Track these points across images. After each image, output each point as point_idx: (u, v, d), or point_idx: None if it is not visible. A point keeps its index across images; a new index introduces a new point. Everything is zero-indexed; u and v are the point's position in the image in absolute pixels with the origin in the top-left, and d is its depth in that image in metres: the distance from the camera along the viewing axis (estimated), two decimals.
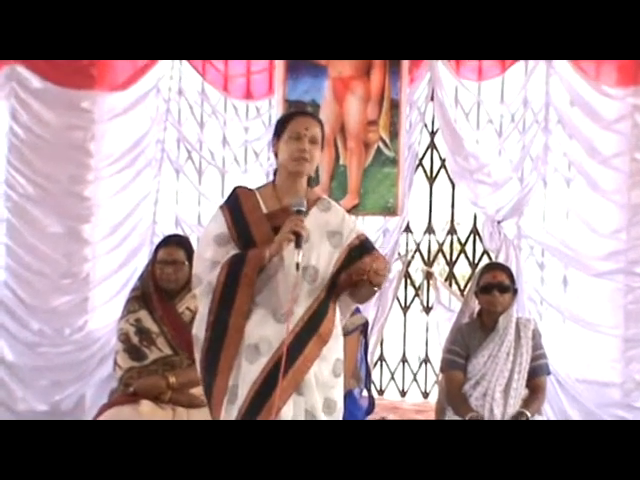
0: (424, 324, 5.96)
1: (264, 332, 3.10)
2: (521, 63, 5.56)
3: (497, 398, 4.25)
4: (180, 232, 5.64)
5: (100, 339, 5.65)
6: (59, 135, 5.64)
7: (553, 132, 5.50)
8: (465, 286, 5.74)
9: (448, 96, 5.61)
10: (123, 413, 4.00)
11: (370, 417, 4.60)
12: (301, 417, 3.09)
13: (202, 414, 3.38)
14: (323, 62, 5.59)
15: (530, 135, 5.54)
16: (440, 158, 5.84)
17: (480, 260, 5.83)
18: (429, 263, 5.94)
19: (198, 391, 3.33)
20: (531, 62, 5.49)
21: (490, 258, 5.65)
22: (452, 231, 5.95)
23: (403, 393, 6.04)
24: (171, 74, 5.85)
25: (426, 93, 5.66)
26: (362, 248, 3.21)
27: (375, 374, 5.79)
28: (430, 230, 5.95)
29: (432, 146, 5.86)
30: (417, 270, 6.15)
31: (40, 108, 5.63)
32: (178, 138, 5.90)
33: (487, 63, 5.54)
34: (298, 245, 3.06)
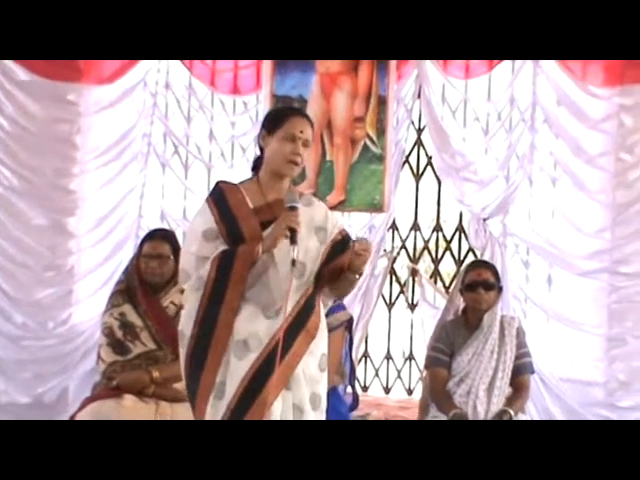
0: (409, 321, 5.96)
1: (254, 328, 3.10)
2: (508, 62, 5.55)
3: (481, 396, 4.26)
4: (166, 226, 5.62)
5: (84, 332, 5.62)
6: (45, 128, 5.59)
7: (539, 131, 5.50)
8: (450, 283, 5.74)
9: (435, 93, 5.61)
10: (106, 407, 4.00)
11: (354, 413, 4.60)
12: (289, 412, 3.10)
13: (185, 409, 3.37)
14: None
15: (516, 134, 5.54)
16: (426, 155, 5.84)
17: (465, 257, 5.84)
18: (415, 260, 5.94)
19: (182, 386, 3.31)
20: (518, 61, 5.49)
21: (475, 256, 5.66)
22: (438, 228, 5.95)
23: (387, 390, 6.04)
24: (158, 67, 5.83)
25: (413, 90, 5.66)
26: (344, 243, 3.23)
27: (359, 370, 5.78)
28: (416, 227, 5.95)
29: (419, 143, 5.86)
30: (402, 267, 6.16)
31: (26, 100, 5.57)
32: (165, 132, 5.88)
33: (474, 61, 5.53)
34: (293, 241, 3.06)
